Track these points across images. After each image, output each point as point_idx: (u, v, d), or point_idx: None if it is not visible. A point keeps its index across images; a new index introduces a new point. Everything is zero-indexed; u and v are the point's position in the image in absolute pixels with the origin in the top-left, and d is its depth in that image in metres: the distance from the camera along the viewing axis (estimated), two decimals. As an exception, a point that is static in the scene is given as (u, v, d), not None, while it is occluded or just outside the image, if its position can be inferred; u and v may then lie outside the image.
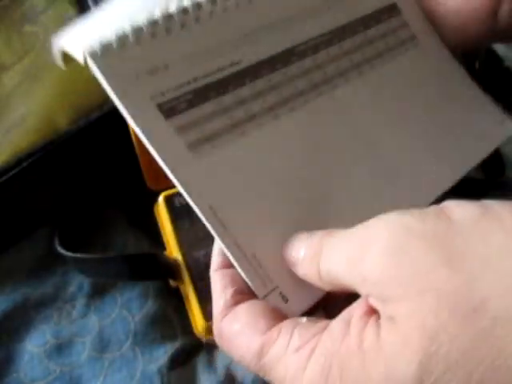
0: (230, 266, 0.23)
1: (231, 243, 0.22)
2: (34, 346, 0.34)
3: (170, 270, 0.33)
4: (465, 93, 0.32)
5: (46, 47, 0.39)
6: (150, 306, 0.36)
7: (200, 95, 0.25)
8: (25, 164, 0.34)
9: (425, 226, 0.18)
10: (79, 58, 0.23)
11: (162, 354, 0.34)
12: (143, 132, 0.23)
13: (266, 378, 0.21)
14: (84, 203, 0.40)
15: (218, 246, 0.24)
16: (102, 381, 0.33)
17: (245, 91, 0.26)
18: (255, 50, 0.27)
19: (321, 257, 0.21)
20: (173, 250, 0.34)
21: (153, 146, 0.23)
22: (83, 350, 0.34)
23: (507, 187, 0.38)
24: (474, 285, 0.16)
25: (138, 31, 0.24)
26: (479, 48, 0.40)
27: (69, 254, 0.34)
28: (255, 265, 0.23)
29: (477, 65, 0.40)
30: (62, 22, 0.39)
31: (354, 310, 0.19)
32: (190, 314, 0.33)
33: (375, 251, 0.18)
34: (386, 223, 0.19)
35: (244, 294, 0.23)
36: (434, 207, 0.19)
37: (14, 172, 0.34)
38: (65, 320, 0.36)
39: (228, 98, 0.25)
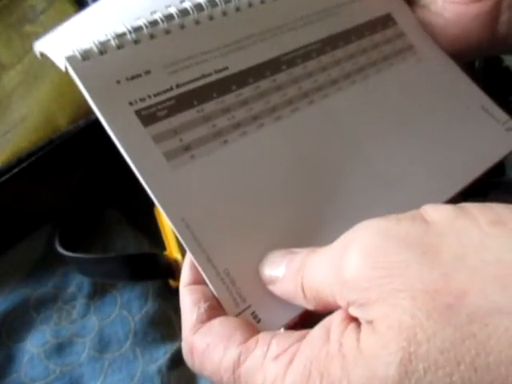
0: (201, 281, 0.22)
1: (203, 259, 0.22)
2: (34, 346, 0.34)
3: (169, 270, 0.33)
4: (468, 101, 0.31)
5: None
6: (150, 306, 0.36)
7: (182, 102, 0.24)
8: (25, 164, 0.34)
9: (400, 227, 0.18)
10: (60, 64, 0.22)
11: (162, 354, 0.34)
12: (118, 139, 0.22)
13: None
14: (84, 203, 0.40)
15: (189, 260, 0.23)
16: (102, 381, 0.33)
17: (230, 98, 0.25)
18: (243, 57, 0.26)
19: (304, 272, 0.20)
20: (173, 250, 0.34)
21: (127, 153, 0.22)
22: (83, 350, 0.34)
23: (507, 187, 0.38)
24: (448, 281, 0.16)
25: (120, 36, 0.24)
26: (478, 56, 0.39)
27: (69, 253, 0.34)
28: (228, 282, 0.22)
29: (477, 65, 0.40)
30: (61, 22, 0.39)
31: (334, 317, 0.19)
32: (190, 314, 0.33)
33: (353, 254, 0.18)
34: (364, 228, 0.19)
35: (217, 309, 0.22)
36: (411, 211, 0.19)
37: (14, 172, 0.34)
38: (65, 320, 0.35)
39: (212, 106, 0.25)
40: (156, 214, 0.36)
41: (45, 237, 0.39)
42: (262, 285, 0.22)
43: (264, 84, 0.26)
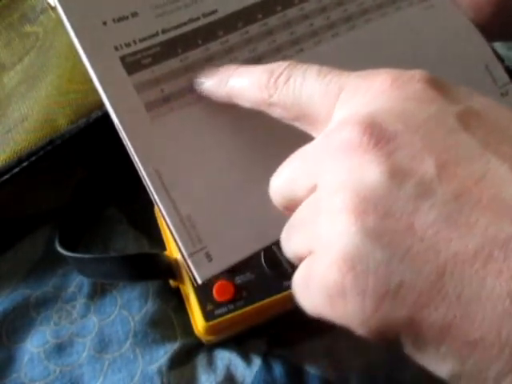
0: None
1: (170, 206, 0.22)
2: (34, 346, 0.34)
3: (169, 269, 0.33)
4: (473, 58, 0.29)
5: (46, 47, 0.39)
6: (150, 306, 0.36)
7: (167, 49, 0.23)
8: (25, 164, 0.34)
9: None
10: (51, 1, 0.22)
11: (162, 354, 0.34)
12: (101, 85, 0.22)
13: None
14: (84, 203, 0.40)
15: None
16: (102, 381, 0.33)
17: (215, 46, 0.24)
18: None
19: None
20: (173, 250, 0.34)
21: (109, 102, 0.22)
22: (83, 350, 0.34)
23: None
24: None
25: None
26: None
27: (69, 253, 0.34)
28: (189, 226, 0.22)
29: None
30: (61, 22, 0.39)
31: None
32: (189, 314, 0.33)
33: None
34: None
35: None
36: None
37: (14, 172, 0.34)
38: (65, 320, 0.35)
39: (195, 54, 0.24)
40: (156, 213, 0.36)
41: (45, 237, 0.39)
42: (219, 229, 0.23)
43: (253, 29, 0.25)
